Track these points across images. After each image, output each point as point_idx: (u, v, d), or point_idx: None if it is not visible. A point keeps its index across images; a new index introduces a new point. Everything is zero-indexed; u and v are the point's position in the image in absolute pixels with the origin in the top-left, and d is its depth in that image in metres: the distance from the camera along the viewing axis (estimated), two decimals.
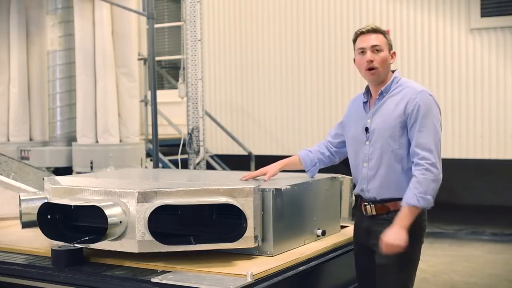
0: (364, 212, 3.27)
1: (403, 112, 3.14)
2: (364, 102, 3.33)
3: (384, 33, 3.25)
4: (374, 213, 3.22)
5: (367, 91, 3.34)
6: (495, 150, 8.98)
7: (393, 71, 3.31)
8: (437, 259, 7.19)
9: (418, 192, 3.03)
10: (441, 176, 3.08)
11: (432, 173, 3.03)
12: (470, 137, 9.05)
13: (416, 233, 3.18)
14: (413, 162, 3.09)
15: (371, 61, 3.19)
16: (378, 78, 3.24)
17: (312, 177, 3.55)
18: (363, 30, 3.24)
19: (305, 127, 10.10)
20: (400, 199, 3.16)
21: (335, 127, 3.63)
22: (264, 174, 3.43)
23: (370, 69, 3.21)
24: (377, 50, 3.20)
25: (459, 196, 10.48)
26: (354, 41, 3.29)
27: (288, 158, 3.59)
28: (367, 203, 3.25)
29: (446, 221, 9.38)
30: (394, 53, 3.27)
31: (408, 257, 3.16)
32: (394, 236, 3.04)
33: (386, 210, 3.19)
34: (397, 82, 3.25)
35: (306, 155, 3.55)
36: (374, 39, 3.20)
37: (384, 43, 3.21)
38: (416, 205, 3.04)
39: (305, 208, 3.33)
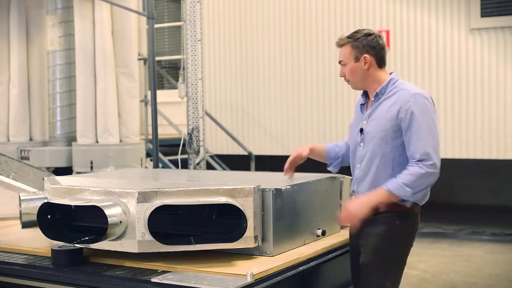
0: None
1: (396, 116, 3.11)
2: (361, 104, 3.34)
3: (352, 40, 3.21)
4: None
5: (365, 93, 3.34)
6: (495, 150, 8.98)
7: (391, 73, 3.30)
8: (437, 259, 7.18)
9: (401, 180, 3.04)
10: (435, 176, 3.06)
11: (424, 170, 3.02)
12: (470, 137, 9.05)
13: (404, 235, 3.18)
14: (409, 163, 3.09)
15: (342, 76, 3.30)
16: (355, 87, 3.33)
17: (335, 172, 3.55)
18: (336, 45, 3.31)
19: (305, 127, 10.10)
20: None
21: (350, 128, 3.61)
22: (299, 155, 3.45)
23: (346, 81, 3.31)
24: (343, 64, 3.27)
25: (459, 196, 10.49)
26: None
27: (316, 144, 3.58)
28: None
29: (446, 221, 9.39)
30: (367, 57, 3.19)
31: (389, 258, 3.15)
32: (357, 206, 3.08)
33: (375, 211, 3.16)
34: (393, 84, 3.21)
35: (331, 148, 3.54)
36: (340, 54, 3.27)
37: (347, 55, 3.22)
38: (392, 192, 3.04)
39: (305, 208, 3.33)
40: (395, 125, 3.11)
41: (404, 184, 3.02)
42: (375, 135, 3.17)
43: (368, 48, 3.20)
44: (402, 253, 3.20)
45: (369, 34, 3.22)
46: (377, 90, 3.22)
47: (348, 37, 3.24)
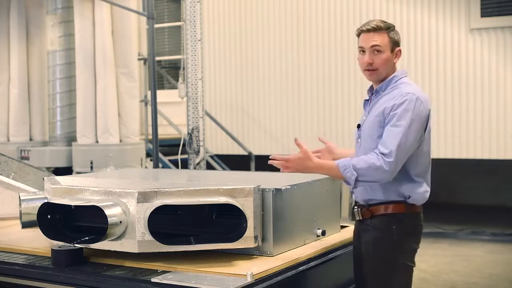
0: (355, 217, 3.21)
1: (382, 112, 3.01)
2: (366, 100, 3.23)
3: (389, 29, 3.07)
4: (360, 217, 3.14)
5: (371, 88, 3.22)
6: (495, 150, 8.98)
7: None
8: (437, 259, 7.19)
9: (354, 162, 2.93)
10: (385, 175, 2.91)
11: (379, 163, 2.88)
12: (470, 137, 9.05)
13: (404, 239, 3.06)
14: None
15: (370, 63, 3.07)
16: (377, 78, 3.13)
17: None
18: (364, 28, 3.08)
19: (305, 127, 10.10)
20: (385, 202, 3.04)
21: None
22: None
23: (369, 69, 3.09)
24: (377, 51, 3.05)
25: (459, 196, 10.49)
26: (358, 36, 3.15)
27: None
28: (356, 207, 3.18)
29: (446, 221, 9.38)
30: (400, 50, 3.10)
31: (391, 265, 3.05)
32: (300, 165, 2.98)
33: (370, 214, 3.09)
34: (395, 82, 3.09)
35: None
36: (375, 39, 3.04)
37: (385, 43, 3.04)
38: (340, 168, 2.93)
39: (305, 208, 3.33)
40: (380, 121, 3.01)
41: (353, 166, 2.91)
42: (368, 132, 3.09)
43: (399, 41, 3.11)
44: (405, 257, 3.09)
45: (394, 27, 3.12)
46: (376, 87, 3.13)
47: (384, 23, 3.07)
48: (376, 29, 3.05)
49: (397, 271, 3.08)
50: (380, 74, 3.11)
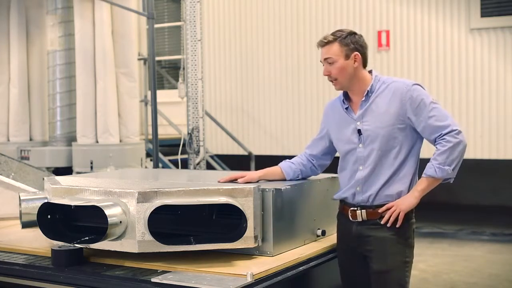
0: (351, 218, 3.20)
1: (400, 108, 3.11)
2: (345, 108, 3.27)
3: (340, 38, 3.17)
4: (365, 218, 3.16)
5: (346, 97, 3.28)
6: (495, 150, 8.98)
7: (369, 71, 3.25)
8: (437, 259, 7.18)
9: (437, 163, 3.04)
10: (464, 145, 3.05)
11: (452, 142, 3.03)
12: (470, 137, 9.05)
13: (411, 236, 3.18)
14: (435, 142, 3.09)
15: (327, 74, 3.21)
16: (342, 87, 3.23)
17: None
18: (317, 45, 3.25)
19: (305, 127, 10.11)
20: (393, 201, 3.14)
21: (314, 141, 3.50)
22: (242, 177, 3.27)
23: (331, 80, 3.21)
24: (329, 62, 3.19)
25: (459, 196, 10.48)
26: None
27: (269, 168, 3.43)
28: (356, 208, 3.19)
29: (446, 221, 9.38)
30: (357, 55, 3.16)
31: (404, 262, 3.14)
32: (405, 199, 3.07)
33: (378, 215, 3.14)
34: (379, 81, 3.20)
35: (288, 167, 3.42)
36: (325, 51, 3.20)
37: (337, 53, 3.16)
38: (433, 176, 3.05)
39: (305, 208, 3.33)
40: (400, 119, 3.11)
41: (440, 164, 3.03)
42: (380, 132, 3.12)
43: (357, 46, 3.18)
44: (412, 253, 3.20)
45: (354, 33, 3.21)
46: (368, 89, 3.17)
47: (334, 35, 3.19)
48: (325, 43, 3.21)
49: (410, 267, 3.19)
50: (341, 83, 3.21)
